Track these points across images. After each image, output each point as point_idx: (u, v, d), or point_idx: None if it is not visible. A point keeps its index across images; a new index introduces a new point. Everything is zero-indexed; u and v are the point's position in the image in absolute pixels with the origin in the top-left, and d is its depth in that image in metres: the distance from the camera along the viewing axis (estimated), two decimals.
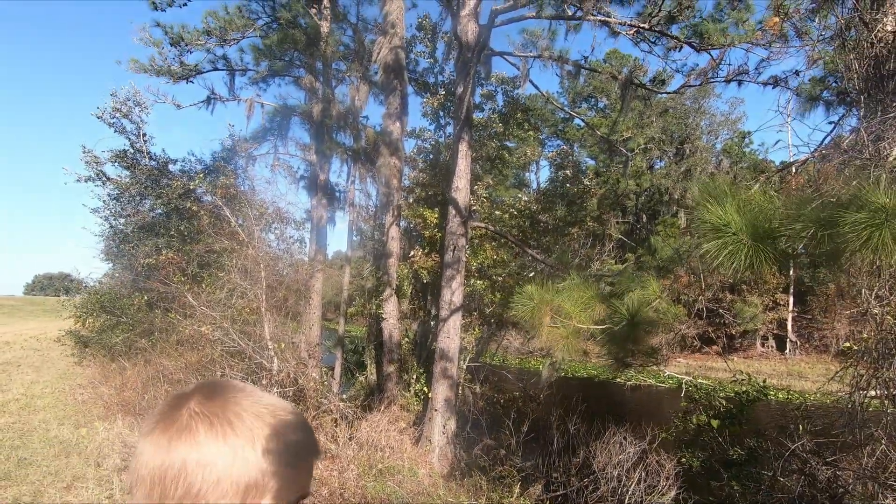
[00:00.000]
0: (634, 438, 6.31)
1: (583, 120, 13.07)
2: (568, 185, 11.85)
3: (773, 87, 7.48)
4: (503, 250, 10.99)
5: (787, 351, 23.20)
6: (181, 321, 7.46)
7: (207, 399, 0.61)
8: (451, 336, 9.22)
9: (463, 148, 9.46)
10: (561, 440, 7.90)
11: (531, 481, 7.39)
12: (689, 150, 29.64)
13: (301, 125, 13.40)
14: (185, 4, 10.22)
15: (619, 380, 18.61)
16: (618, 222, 27.39)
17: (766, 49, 6.64)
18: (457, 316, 9.22)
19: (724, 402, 4.98)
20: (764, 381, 5.47)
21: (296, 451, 0.62)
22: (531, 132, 13.44)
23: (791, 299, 23.18)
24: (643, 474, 5.66)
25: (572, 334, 3.25)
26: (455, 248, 9.15)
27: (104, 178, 10.93)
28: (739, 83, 7.78)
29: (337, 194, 13.79)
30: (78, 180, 10.91)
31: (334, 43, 11.24)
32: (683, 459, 4.94)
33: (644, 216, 32.79)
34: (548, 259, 10.76)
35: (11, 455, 4.43)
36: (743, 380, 5.18)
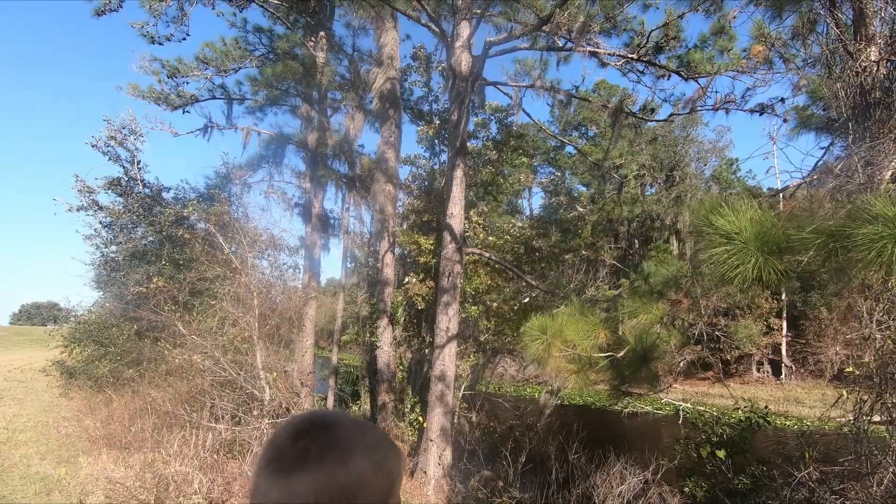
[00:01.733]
0: (635, 468, 6.16)
1: (575, 147, 13.21)
2: (562, 211, 11.95)
3: (759, 115, 7.68)
4: (498, 276, 10.96)
5: (783, 376, 23.10)
6: (171, 350, 7.30)
7: (328, 428, 0.69)
8: (447, 363, 9.09)
9: (458, 175, 9.56)
10: (560, 470, 7.71)
11: None
12: (679, 177, 30.17)
13: (296, 153, 13.54)
14: (183, 39, 10.42)
15: (615, 407, 18.40)
16: (610, 248, 27.56)
17: (751, 76, 6.84)
18: (453, 343, 9.12)
19: (727, 430, 4.89)
20: (766, 408, 5.39)
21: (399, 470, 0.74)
22: (524, 159, 13.63)
23: (784, 324, 23.22)
24: None
25: (580, 365, 3.20)
26: (451, 274, 9.12)
27: (97, 207, 10.87)
28: (727, 111, 7.98)
29: (331, 221, 13.83)
30: (69, 210, 10.83)
31: (330, 73, 11.45)
32: (687, 489, 4.81)
33: (636, 242, 33.09)
34: (543, 285, 10.76)
35: None
36: (745, 407, 5.10)
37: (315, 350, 12.57)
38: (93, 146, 10.89)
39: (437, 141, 13.35)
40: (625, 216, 28.82)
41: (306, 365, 11.27)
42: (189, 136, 11.93)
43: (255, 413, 6.87)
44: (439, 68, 13.22)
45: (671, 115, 8.59)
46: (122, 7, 9.31)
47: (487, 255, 9.89)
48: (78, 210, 10.76)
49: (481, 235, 11.58)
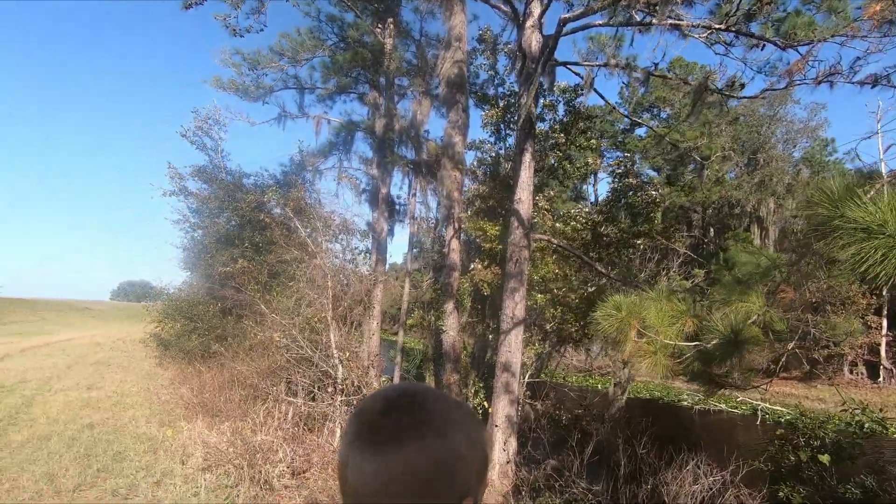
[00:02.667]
0: (710, 467, 5.80)
1: (651, 128, 12.39)
2: (632, 193, 11.35)
3: (871, 87, 6.82)
4: (565, 264, 10.68)
5: (881, 379, 20.90)
6: (253, 328, 7.78)
7: (421, 401, 0.65)
8: (513, 350, 9.02)
9: (526, 159, 9.36)
10: (628, 464, 7.47)
11: None
12: (764, 160, 27.78)
13: (364, 140, 13.87)
14: (261, 30, 10.88)
15: (686, 402, 17.52)
16: (682, 236, 26.03)
17: (864, 41, 6.01)
18: (519, 329, 9.03)
19: (830, 434, 4.44)
20: (881, 412, 4.85)
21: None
22: (593, 141, 13.12)
23: (885, 322, 20.92)
24: None
25: (661, 351, 3.03)
26: (518, 260, 9.00)
27: (186, 193, 11.79)
28: (832, 84, 7.14)
29: (397, 207, 14.08)
30: (163, 194, 11.83)
31: (398, 58, 11.55)
32: (782, 493, 4.46)
33: (712, 230, 31.03)
34: (612, 273, 10.35)
35: (108, 449, 4.76)
36: (855, 409, 4.59)
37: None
38: (182, 136, 11.80)
39: (502, 125, 13.14)
40: (700, 202, 27.06)
41: (373, 346, 11.64)
42: (264, 126, 12.60)
43: (329, 390, 7.20)
44: (505, 50, 12.93)
45: (764, 90, 7.86)
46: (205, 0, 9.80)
47: (556, 241, 9.64)
48: (170, 195, 11.76)
49: (549, 222, 11.30)
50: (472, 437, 0.64)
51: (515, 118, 13.23)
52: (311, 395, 7.23)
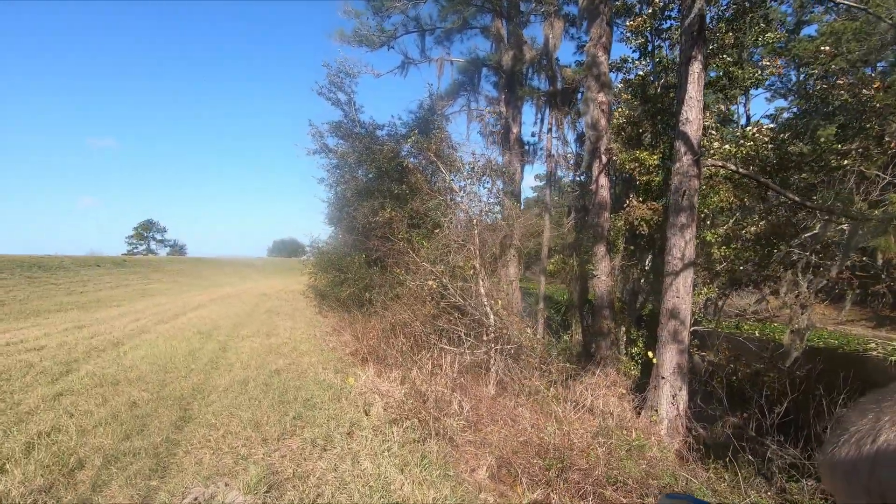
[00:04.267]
0: None
1: (859, 7, 9.08)
2: (838, 91, 8.86)
3: None
4: (743, 193, 8.96)
5: None
6: (404, 276, 7.79)
7: None
8: (682, 295, 7.99)
9: (694, 70, 7.85)
10: (820, 424, 6.28)
11: (795, 474, 5.98)
12: None
13: (488, 80, 13.02)
14: None
15: (874, 352, 14.64)
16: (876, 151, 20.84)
17: None
18: (689, 271, 7.92)
19: None
20: None
21: None
22: (770, 34, 10.65)
23: None
24: None
25: None
26: (686, 191, 7.74)
27: (327, 150, 12.19)
28: None
29: (528, 147, 13.15)
30: (308, 154, 12.41)
31: None
32: None
33: None
34: (809, 202, 8.43)
35: (298, 396, 5.01)
36: None
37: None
38: (318, 93, 12.08)
39: (649, 35, 11.22)
40: None
41: (514, 293, 11.26)
42: (388, 76, 12.52)
43: (484, 338, 6.97)
44: None
45: None
46: None
47: (733, 167, 8.05)
48: (313, 154, 12.30)
49: (716, 144, 9.51)
50: None
51: (667, 25, 11.20)
52: (467, 343, 7.08)
